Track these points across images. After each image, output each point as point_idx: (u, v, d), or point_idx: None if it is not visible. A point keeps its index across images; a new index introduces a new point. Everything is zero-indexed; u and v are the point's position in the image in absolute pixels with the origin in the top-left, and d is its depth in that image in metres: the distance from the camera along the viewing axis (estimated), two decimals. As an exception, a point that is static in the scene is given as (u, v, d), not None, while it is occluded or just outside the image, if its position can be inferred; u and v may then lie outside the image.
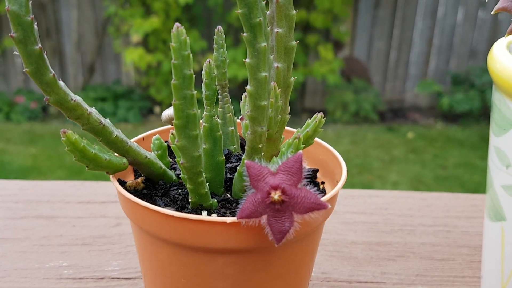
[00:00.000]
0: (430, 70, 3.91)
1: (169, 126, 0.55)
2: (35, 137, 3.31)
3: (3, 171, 2.80)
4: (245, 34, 0.40)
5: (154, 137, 0.50)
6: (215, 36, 0.50)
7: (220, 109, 0.53)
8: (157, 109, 3.75)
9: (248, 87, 0.41)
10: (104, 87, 3.76)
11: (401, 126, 3.68)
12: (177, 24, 0.37)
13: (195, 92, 0.40)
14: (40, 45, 0.38)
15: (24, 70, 0.38)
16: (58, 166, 2.89)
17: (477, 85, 3.67)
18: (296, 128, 0.52)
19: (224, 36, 0.51)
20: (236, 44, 3.48)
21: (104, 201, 0.77)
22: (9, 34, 0.37)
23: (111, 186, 0.81)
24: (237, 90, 3.46)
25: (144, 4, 3.54)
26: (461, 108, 3.61)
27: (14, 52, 0.38)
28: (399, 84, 3.94)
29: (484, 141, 3.43)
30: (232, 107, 0.54)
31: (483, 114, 3.67)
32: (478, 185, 2.84)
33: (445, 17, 3.77)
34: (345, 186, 0.82)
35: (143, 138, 0.54)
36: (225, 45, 0.51)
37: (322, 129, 0.47)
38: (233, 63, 3.28)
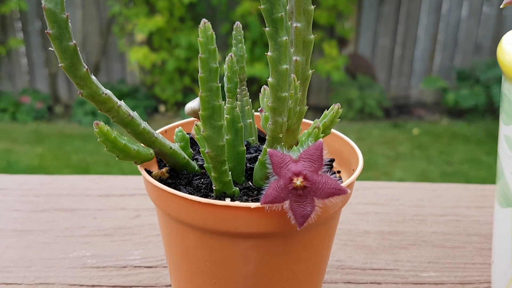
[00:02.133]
0: (435, 66, 3.93)
1: (192, 118, 0.57)
2: (41, 137, 3.34)
3: (10, 171, 2.83)
4: (267, 29, 0.42)
5: (177, 129, 0.52)
6: (233, 32, 0.52)
7: (239, 102, 0.55)
8: (162, 108, 3.78)
9: (269, 79, 0.43)
10: (109, 86, 3.78)
11: (406, 123, 3.69)
12: (204, 20, 0.39)
13: (220, 84, 0.42)
14: (74, 41, 0.40)
15: (59, 65, 0.40)
16: (65, 166, 2.92)
17: (482, 80, 3.68)
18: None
19: (242, 31, 0.53)
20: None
21: (122, 194, 0.80)
22: (46, 31, 0.39)
23: (129, 180, 0.84)
24: (248, 85, 3.47)
25: (148, 3, 3.56)
26: (467, 104, 3.62)
27: (49, 48, 0.40)
28: (404, 80, 3.95)
29: (490, 136, 3.44)
30: (250, 100, 0.56)
31: (489, 110, 3.69)
32: (484, 180, 2.85)
33: (450, 12, 3.78)
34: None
35: (166, 131, 0.56)
36: (243, 40, 0.53)
37: (339, 119, 0.49)
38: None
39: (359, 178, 0.48)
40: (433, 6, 3.76)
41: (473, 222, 0.74)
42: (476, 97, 3.62)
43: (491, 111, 3.68)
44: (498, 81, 3.60)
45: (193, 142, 0.57)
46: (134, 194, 0.80)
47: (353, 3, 3.67)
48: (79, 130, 3.46)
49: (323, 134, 0.48)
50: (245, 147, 0.49)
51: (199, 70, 0.41)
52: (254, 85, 3.55)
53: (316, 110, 3.76)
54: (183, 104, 3.76)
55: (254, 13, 3.43)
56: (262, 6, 0.41)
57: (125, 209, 0.76)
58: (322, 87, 3.88)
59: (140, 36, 3.55)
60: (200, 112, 0.42)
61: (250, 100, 0.56)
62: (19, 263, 0.64)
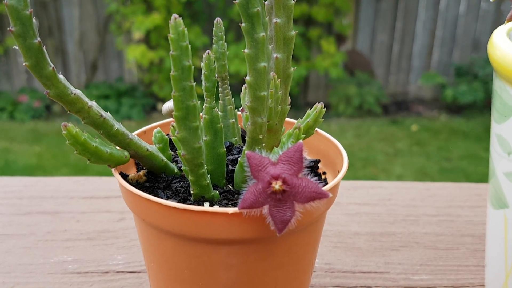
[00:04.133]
0: (433, 62, 3.90)
1: (170, 119, 0.55)
2: (39, 136, 3.32)
3: (8, 170, 2.81)
4: (243, 24, 0.40)
5: (155, 130, 0.50)
6: (214, 29, 0.50)
7: (221, 102, 0.53)
8: (160, 106, 3.76)
9: (247, 77, 0.41)
10: (107, 84, 3.76)
11: (405, 119, 3.67)
12: (174, 15, 0.37)
13: (194, 84, 0.40)
14: (39, 38, 0.38)
15: (24, 63, 0.38)
16: (63, 164, 2.90)
17: (481, 76, 3.65)
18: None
19: (223, 28, 0.51)
20: (238, 39, 3.47)
21: (107, 196, 0.78)
22: (8, 28, 0.37)
23: (115, 182, 0.82)
24: (240, 85, 3.45)
25: (146, 1, 3.54)
26: (465, 100, 3.59)
27: (13, 46, 0.38)
28: (402, 76, 3.93)
29: (489, 132, 3.39)
30: (233, 99, 0.54)
31: (487, 106, 3.66)
32: (483, 176, 2.83)
33: (448, 8, 3.76)
34: (349, 178, 0.82)
35: (145, 132, 0.54)
36: (224, 37, 0.51)
37: (323, 119, 0.47)
38: (236, 58, 3.28)
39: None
40: (431, 2, 3.74)
41: (466, 222, 0.72)
42: (474, 93, 3.60)
43: (490, 107, 3.65)
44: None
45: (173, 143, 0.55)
46: (119, 196, 0.78)
47: (350, -1, 3.65)
48: (78, 127, 3.43)
49: (305, 135, 0.46)
50: (225, 149, 0.47)
51: (172, 68, 0.39)
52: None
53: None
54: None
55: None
56: (237, 1, 0.39)
57: (110, 211, 0.74)
58: (320, 84, 3.86)
59: (137, 34, 3.53)
60: (174, 113, 0.40)
61: (233, 99, 0.54)
62: (-1, 268, 0.62)
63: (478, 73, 3.68)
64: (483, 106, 3.67)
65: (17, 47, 0.38)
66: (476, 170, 2.93)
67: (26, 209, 0.74)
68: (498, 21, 3.72)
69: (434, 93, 3.92)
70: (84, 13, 3.67)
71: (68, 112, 0.41)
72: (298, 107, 3.60)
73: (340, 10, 3.62)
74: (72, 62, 3.72)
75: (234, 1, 0.39)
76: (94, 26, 3.73)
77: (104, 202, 0.76)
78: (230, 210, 0.40)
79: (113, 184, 0.81)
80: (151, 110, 3.73)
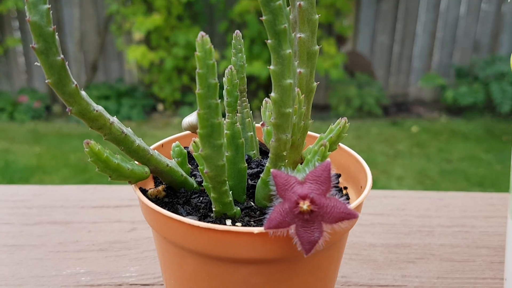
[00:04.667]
0: (433, 64, 3.90)
1: (187, 132, 0.55)
2: (39, 136, 3.31)
3: (8, 171, 2.80)
4: (269, 41, 0.39)
5: (174, 144, 0.49)
6: (233, 41, 0.50)
7: (239, 114, 0.53)
8: (160, 106, 3.75)
9: (272, 94, 0.41)
10: (107, 85, 3.75)
11: (405, 120, 3.67)
12: (201, 33, 0.36)
13: (219, 101, 0.39)
14: (62, 55, 0.37)
15: (46, 81, 0.38)
16: (63, 165, 2.89)
17: (481, 77, 3.65)
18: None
19: (242, 40, 0.50)
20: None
21: (118, 205, 0.77)
22: (31, 45, 0.36)
23: (124, 190, 0.81)
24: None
25: (146, 2, 3.53)
26: (465, 101, 3.59)
27: (35, 63, 0.37)
28: (402, 78, 3.93)
29: (489, 134, 3.41)
30: (251, 111, 0.54)
31: (488, 107, 3.66)
32: (483, 178, 2.83)
33: (448, 10, 3.75)
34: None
35: (162, 145, 0.53)
36: (243, 49, 0.50)
37: (346, 134, 0.47)
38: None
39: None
40: (431, 3, 3.73)
41: (481, 233, 0.71)
42: (475, 94, 3.60)
43: (490, 108, 3.65)
44: (497, 78, 3.58)
45: (191, 156, 0.55)
46: (130, 205, 0.77)
47: (351, 1, 3.64)
48: (77, 130, 3.43)
49: (329, 151, 0.45)
50: (246, 164, 0.47)
51: (197, 86, 0.38)
52: (252, 83, 3.52)
53: (315, 108, 3.73)
54: (182, 102, 3.73)
55: (252, 11, 3.40)
56: (264, 17, 0.38)
57: (121, 221, 0.73)
58: (320, 85, 3.85)
59: (138, 35, 3.52)
60: (198, 131, 0.40)
61: (249, 107, 0.54)
62: (10, 280, 0.61)
63: (479, 75, 3.68)
64: (483, 108, 3.67)
65: (39, 64, 0.37)
66: (477, 171, 2.92)
67: (36, 219, 0.73)
68: (498, 23, 3.72)
69: (434, 94, 3.92)
70: (84, 14, 3.66)
71: (90, 128, 0.41)
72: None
73: (341, 11, 3.61)
74: (73, 62, 3.70)
75: (260, 18, 0.38)
76: (95, 27, 3.72)
77: (115, 211, 0.75)
78: (256, 230, 0.39)
79: (122, 193, 0.80)
80: (151, 110, 3.72)
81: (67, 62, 0.38)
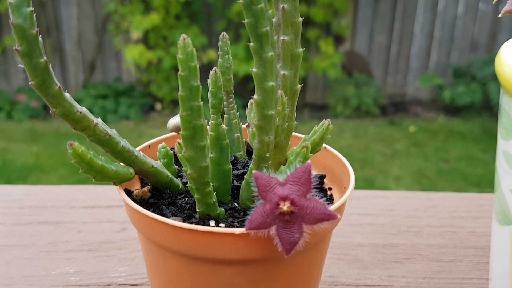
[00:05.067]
0: (431, 63, 3.90)
1: (174, 133, 0.55)
2: (37, 136, 3.31)
3: (6, 170, 2.81)
4: (251, 44, 0.39)
5: (160, 145, 0.50)
6: (220, 43, 0.50)
7: (226, 116, 0.53)
8: (158, 106, 3.75)
9: (255, 96, 0.41)
10: (105, 84, 3.75)
11: (402, 120, 3.67)
12: (183, 35, 0.37)
13: (202, 103, 0.39)
14: (45, 58, 0.38)
15: (30, 83, 0.38)
16: (61, 164, 2.89)
17: (479, 77, 3.66)
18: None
19: (229, 42, 0.50)
20: (236, 40, 3.47)
21: (109, 206, 0.77)
22: (14, 48, 0.37)
23: (116, 191, 0.81)
24: (238, 86, 3.45)
25: (144, 1, 3.53)
26: (463, 101, 3.60)
27: (19, 65, 0.38)
28: (400, 77, 3.93)
29: (486, 133, 3.42)
30: (238, 113, 0.54)
31: (485, 107, 3.67)
32: (481, 178, 2.84)
33: (446, 9, 3.76)
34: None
35: (149, 146, 0.54)
36: (230, 51, 0.50)
37: (330, 136, 0.47)
38: (234, 58, 3.27)
39: (354, 176, 0.46)
40: (429, 3, 3.74)
41: (469, 234, 0.71)
42: (472, 94, 3.60)
43: (488, 108, 3.66)
44: (495, 78, 3.57)
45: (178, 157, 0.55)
46: (121, 206, 0.77)
47: (349, 0, 3.64)
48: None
49: (312, 153, 0.46)
50: (231, 165, 0.47)
51: (180, 88, 0.38)
52: (250, 83, 3.52)
53: (313, 108, 3.74)
54: (179, 102, 3.72)
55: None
56: (246, 20, 0.39)
57: (111, 221, 0.73)
58: (318, 85, 3.85)
59: (135, 34, 3.52)
60: (181, 132, 0.40)
61: (238, 113, 0.54)
62: (0, 280, 0.62)
63: (476, 75, 3.68)
64: (481, 108, 3.68)
65: (22, 66, 0.38)
66: (474, 171, 2.93)
67: (27, 219, 0.74)
68: (496, 23, 3.72)
69: (432, 94, 3.92)
70: (82, 13, 3.66)
71: (74, 130, 0.41)
72: (296, 108, 3.58)
73: (339, 11, 3.61)
74: (70, 61, 3.70)
75: (243, 21, 0.39)
76: (92, 26, 3.72)
77: (106, 211, 0.76)
78: (237, 230, 0.39)
79: (114, 193, 0.80)
80: (149, 110, 3.72)
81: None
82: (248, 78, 3.43)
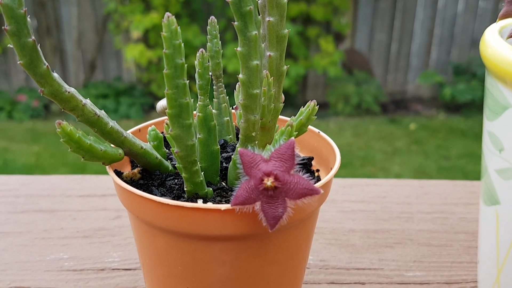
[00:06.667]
0: (431, 61, 3.91)
1: (165, 117, 0.56)
2: (38, 135, 3.32)
3: (7, 170, 2.81)
4: (236, 23, 0.40)
5: (149, 128, 0.51)
6: (208, 27, 0.51)
7: (215, 100, 0.54)
8: (159, 105, 3.75)
9: (240, 75, 0.42)
10: (105, 84, 3.76)
11: (403, 118, 3.67)
12: (167, 13, 0.38)
13: (187, 81, 0.40)
14: (33, 37, 0.38)
15: (18, 62, 0.39)
16: (61, 164, 2.90)
17: (479, 75, 3.66)
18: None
19: (217, 26, 0.51)
20: (236, 38, 3.47)
21: (104, 194, 0.78)
22: (3, 27, 0.38)
23: (111, 180, 0.82)
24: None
25: (144, 0, 3.54)
26: (463, 98, 3.60)
27: (8, 45, 0.39)
28: (400, 75, 3.94)
29: (487, 131, 3.41)
30: (227, 97, 0.55)
31: (485, 104, 3.66)
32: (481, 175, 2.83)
33: (446, 7, 3.76)
34: (348, 177, 0.83)
35: (139, 130, 0.55)
36: (218, 35, 0.51)
37: (315, 117, 0.48)
38: (234, 57, 3.27)
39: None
40: (429, 1, 3.74)
41: (460, 219, 0.72)
42: (472, 91, 3.60)
43: (488, 105, 3.65)
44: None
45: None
46: (116, 194, 0.78)
47: (348, -2, 3.65)
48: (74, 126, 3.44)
49: (298, 133, 0.47)
50: (219, 146, 0.48)
51: (165, 66, 0.39)
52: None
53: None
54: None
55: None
56: (230, 0, 0.39)
57: (106, 209, 0.74)
58: (319, 83, 3.86)
59: (136, 33, 3.53)
60: (167, 111, 0.41)
61: (228, 97, 0.55)
62: (-5, 266, 0.63)
63: (477, 72, 3.69)
64: (481, 105, 3.66)
65: (11, 46, 0.39)
66: (475, 168, 2.93)
67: (23, 207, 0.74)
68: (496, 20, 3.72)
69: (432, 91, 3.92)
70: (82, 12, 3.67)
71: (62, 110, 0.42)
72: (296, 106, 3.59)
73: (339, 9, 3.62)
74: (71, 61, 3.72)
75: (227, 0, 0.39)
76: (93, 25, 3.74)
77: (101, 200, 0.77)
78: (223, 206, 0.40)
79: (109, 183, 0.81)
80: (149, 109, 3.73)
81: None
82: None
